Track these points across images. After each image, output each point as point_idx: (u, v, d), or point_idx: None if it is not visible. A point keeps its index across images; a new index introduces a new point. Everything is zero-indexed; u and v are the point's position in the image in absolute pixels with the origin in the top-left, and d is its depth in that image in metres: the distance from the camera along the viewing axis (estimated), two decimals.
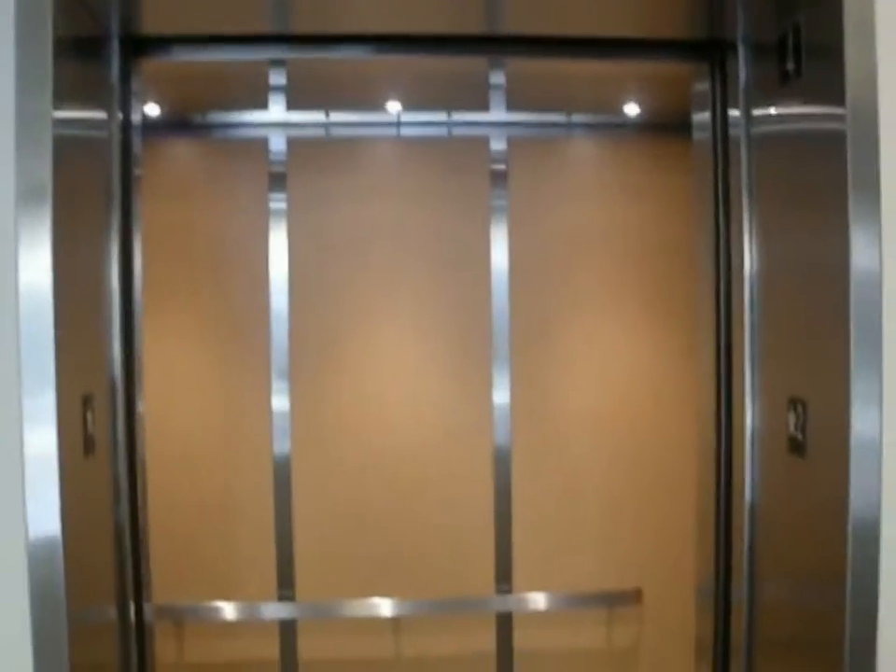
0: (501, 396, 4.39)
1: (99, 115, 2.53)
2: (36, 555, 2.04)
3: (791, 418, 2.27)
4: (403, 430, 4.42)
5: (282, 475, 4.33)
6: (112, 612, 2.57)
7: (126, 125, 2.70)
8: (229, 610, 4.29)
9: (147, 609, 2.81)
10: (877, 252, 1.99)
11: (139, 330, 2.78)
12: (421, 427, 4.43)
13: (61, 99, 2.07)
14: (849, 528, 2.01)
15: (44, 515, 2.03)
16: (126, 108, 2.70)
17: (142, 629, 2.74)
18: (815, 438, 2.18)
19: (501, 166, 4.37)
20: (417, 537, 4.43)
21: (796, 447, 2.26)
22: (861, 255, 1.99)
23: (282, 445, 4.33)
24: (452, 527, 4.43)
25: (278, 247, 4.28)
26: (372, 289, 4.43)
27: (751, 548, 2.53)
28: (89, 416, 2.30)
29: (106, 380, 2.55)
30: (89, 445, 2.32)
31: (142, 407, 2.77)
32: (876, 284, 1.99)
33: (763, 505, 2.49)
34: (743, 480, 2.54)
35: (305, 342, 4.34)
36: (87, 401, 2.30)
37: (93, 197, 2.49)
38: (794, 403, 2.25)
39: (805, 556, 2.25)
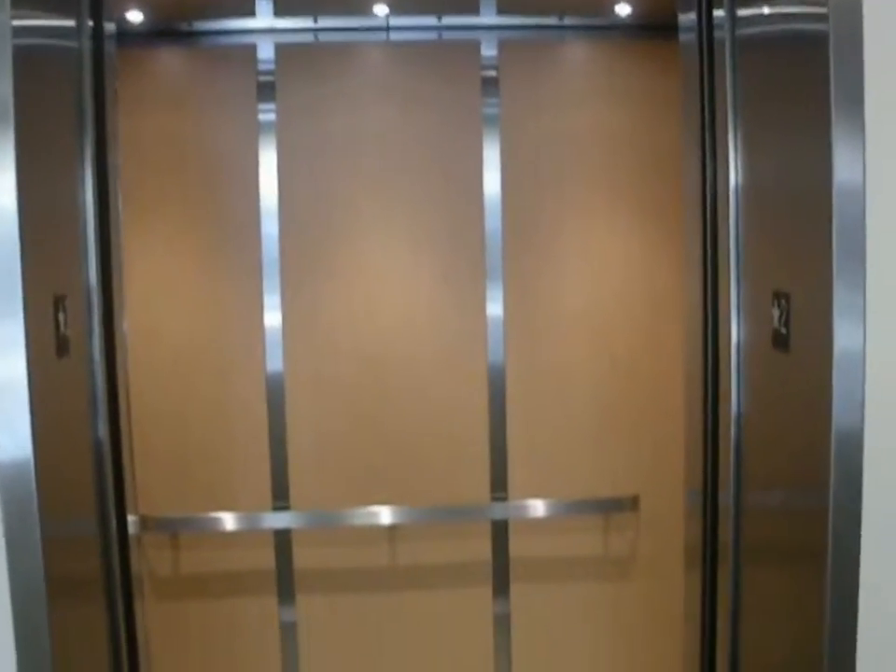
0: (494, 305, 4.36)
1: (66, 22, 2.44)
2: (8, 463, 2.00)
3: (775, 312, 2.22)
4: (396, 339, 4.37)
5: (274, 386, 4.31)
6: (92, 525, 2.54)
7: (98, 34, 2.61)
8: (224, 521, 4.28)
9: (131, 522, 2.78)
10: (860, 156, 1.93)
11: (118, 238, 2.72)
12: (415, 336, 4.39)
13: (20, 5, 1.99)
14: (833, 426, 1.97)
15: (15, 419, 1.99)
16: (97, 16, 2.60)
17: (125, 541, 2.71)
18: (798, 332, 2.14)
19: (492, 72, 4.28)
20: (412, 445, 4.40)
21: (780, 342, 2.21)
22: (843, 162, 1.93)
23: (274, 357, 4.31)
24: (447, 436, 4.40)
25: (267, 157, 4.23)
26: (363, 199, 4.35)
27: (738, 451, 2.50)
28: (61, 317, 2.25)
29: (81, 283, 2.49)
30: (62, 346, 2.27)
31: (121, 312, 2.72)
32: (859, 191, 1.93)
33: (749, 404, 2.45)
34: (729, 379, 2.50)
35: (296, 252, 4.29)
36: (59, 301, 2.24)
37: (63, 111, 2.41)
38: (778, 297, 2.21)
39: (790, 459, 2.22)
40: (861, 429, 1.98)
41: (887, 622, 2.09)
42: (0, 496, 2.00)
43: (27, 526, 2.02)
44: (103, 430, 2.59)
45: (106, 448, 2.60)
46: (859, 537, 2.02)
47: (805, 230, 2.08)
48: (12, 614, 2.03)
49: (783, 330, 2.19)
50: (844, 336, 1.95)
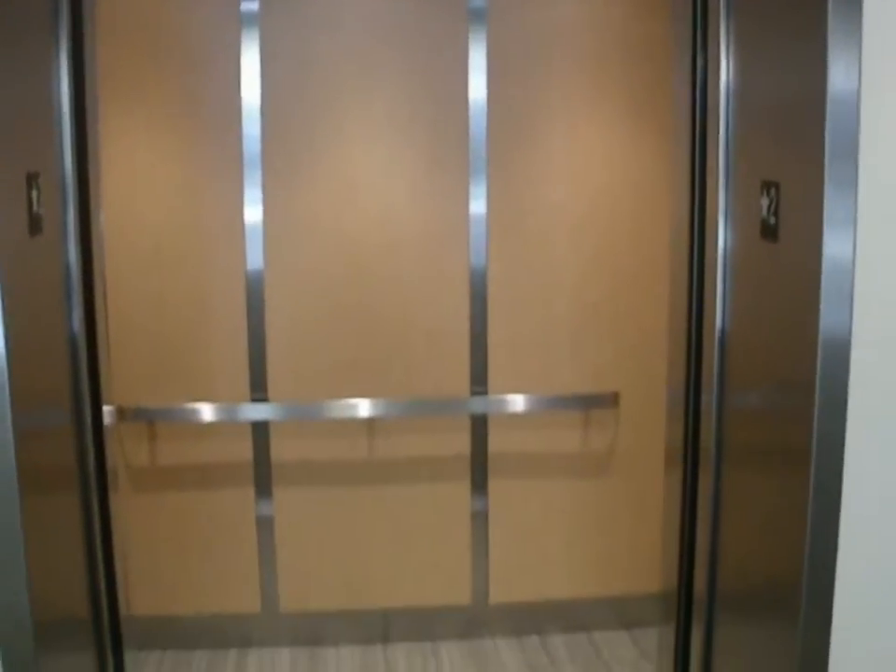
0: (478, 199, 4.29)
1: None
2: None
3: (764, 202, 2.18)
4: (378, 232, 4.31)
5: (254, 277, 4.25)
6: (66, 417, 2.51)
7: None
8: (201, 412, 4.25)
9: (107, 412, 2.75)
10: (856, 57, 1.88)
11: (94, 122, 2.65)
12: (397, 230, 4.32)
13: None
14: (820, 318, 1.95)
15: None
16: None
17: (99, 431, 2.68)
18: (787, 221, 2.10)
19: None
20: (392, 338, 4.36)
21: (768, 232, 2.17)
22: (839, 63, 1.87)
23: (254, 249, 4.24)
24: (427, 329, 4.36)
25: (250, 45, 4.12)
26: (347, 92, 4.24)
27: (721, 350, 2.47)
28: (34, 195, 2.19)
29: (55, 162, 2.43)
30: (35, 224, 2.21)
31: (97, 192, 2.65)
32: (853, 92, 1.88)
33: (735, 300, 2.41)
34: (715, 272, 2.46)
35: (278, 143, 4.20)
36: (31, 179, 2.18)
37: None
38: (767, 186, 2.16)
39: (775, 356, 2.19)
40: (850, 323, 1.95)
41: (869, 520, 2.08)
42: None
43: None
44: (77, 315, 2.54)
45: (81, 335, 2.55)
46: (843, 436, 2.01)
47: (798, 123, 2.03)
48: None
49: (772, 220, 2.15)
50: (833, 225, 1.92)
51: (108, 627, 2.64)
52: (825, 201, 1.90)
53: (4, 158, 1.95)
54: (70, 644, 2.44)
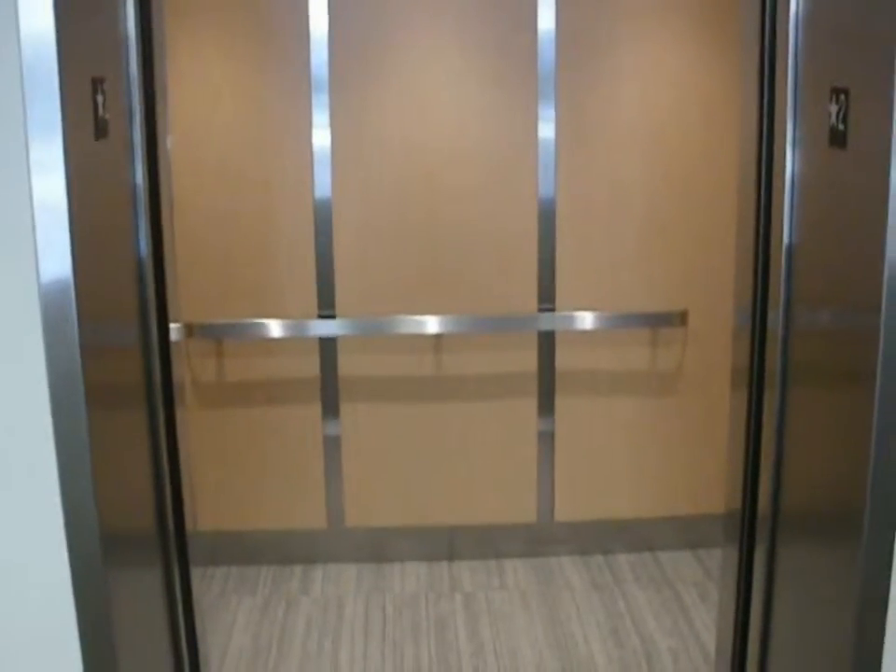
0: (547, 119, 4.25)
1: None
2: (47, 255, 1.96)
3: (833, 108, 2.12)
4: (447, 150, 4.28)
5: (322, 193, 4.25)
6: (133, 334, 2.52)
7: None
8: (269, 328, 4.27)
9: (174, 329, 2.75)
10: None
11: (160, 28, 2.63)
12: (465, 147, 4.29)
13: None
14: (888, 223, 1.89)
15: (56, 204, 1.94)
16: None
17: (166, 349, 2.69)
18: (856, 127, 2.04)
19: None
20: (460, 254, 4.34)
21: (837, 139, 2.12)
22: None
23: (322, 165, 4.23)
24: (496, 246, 4.34)
25: None
26: (414, 9, 4.21)
27: (789, 268, 2.42)
28: (99, 99, 2.19)
29: (121, 67, 2.41)
30: (100, 128, 2.21)
31: (163, 100, 2.64)
32: None
33: (802, 214, 2.36)
34: (783, 181, 2.40)
35: (345, 59, 4.17)
36: (97, 83, 2.17)
37: None
38: (836, 93, 2.11)
39: (843, 272, 2.15)
40: None
41: None
42: (39, 300, 1.97)
43: (65, 333, 2.00)
44: (144, 230, 2.53)
45: (148, 250, 2.55)
46: None
47: (868, 26, 1.97)
48: (52, 420, 2.02)
49: (840, 126, 2.10)
50: None
51: (175, 542, 2.67)
52: (895, 105, 1.85)
53: (70, 61, 1.95)
54: (137, 557, 2.47)
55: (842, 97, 2.09)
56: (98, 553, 2.09)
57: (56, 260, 1.96)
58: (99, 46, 2.28)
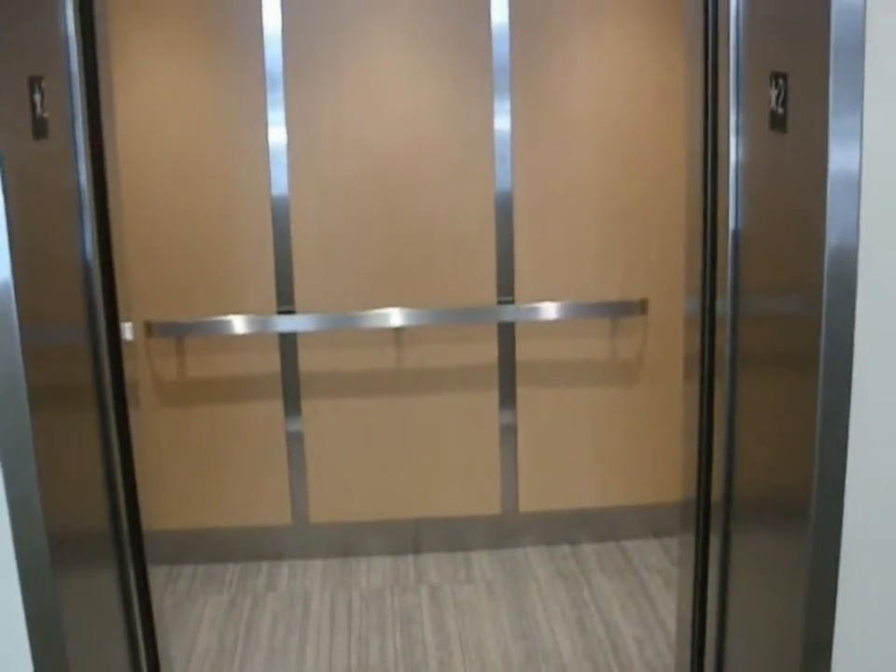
0: (502, 107, 4.25)
1: None
2: None
3: (773, 93, 2.13)
4: (403, 141, 4.27)
5: (280, 189, 4.24)
6: (81, 334, 2.50)
7: None
8: (230, 324, 4.26)
9: (125, 328, 2.74)
10: None
11: (102, 26, 2.60)
12: (422, 140, 4.28)
13: None
14: (827, 206, 1.90)
15: None
16: None
17: (117, 348, 2.67)
18: (795, 111, 2.06)
19: None
20: (419, 248, 4.34)
21: (777, 123, 2.13)
22: None
23: (279, 160, 4.22)
24: (454, 238, 4.34)
25: None
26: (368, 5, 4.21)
27: (735, 253, 2.43)
28: (37, 98, 2.16)
29: (61, 66, 2.39)
30: (39, 128, 2.19)
31: (109, 99, 2.61)
32: None
33: (748, 196, 2.37)
34: (728, 170, 2.41)
35: (301, 56, 4.16)
36: (34, 82, 2.15)
37: None
38: (776, 77, 2.12)
39: (787, 259, 2.15)
40: (857, 217, 1.91)
41: (879, 426, 2.05)
42: None
43: (6, 336, 1.99)
44: (90, 230, 2.51)
45: (93, 249, 2.53)
46: (852, 340, 1.98)
47: (804, 11, 1.98)
48: None
49: (780, 111, 2.11)
50: (840, 112, 1.87)
51: (130, 542, 2.65)
52: (830, 89, 1.86)
53: (5, 59, 1.93)
54: (89, 558, 2.46)
55: (781, 81, 2.10)
56: (46, 555, 2.08)
57: None
58: (37, 44, 2.26)
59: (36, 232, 2.14)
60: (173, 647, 3.44)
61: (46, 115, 2.22)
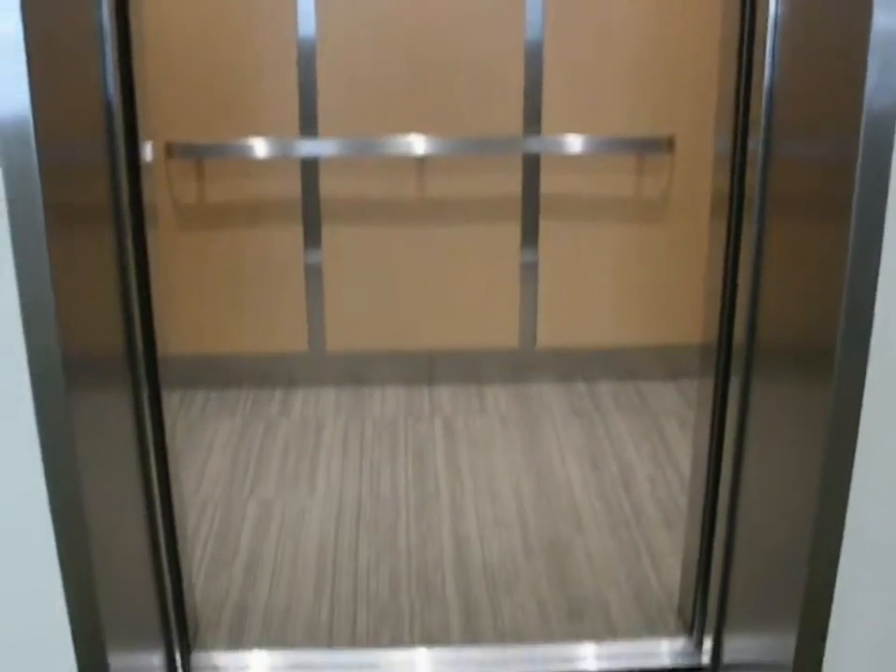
0: None
1: None
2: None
3: None
4: None
5: (306, 7, 4.13)
6: (99, 153, 2.45)
7: None
8: (251, 148, 4.19)
9: (145, 148, 2.68)
10: None
11: None
12: None
13: None
14: (870, 47, 1.83)
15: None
16: None
17: (136, 169, 2.62)
18: None
19: None
20: (446, 73, 4.23)
21: None
22: None
23: None
24: (482, 66, 4.23)
25: None
26: None
27: (770, 96, 2.35)
28: None
29: None
30: None
31: None
32: None
33: (787, 32, 2.27)
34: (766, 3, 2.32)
35: None
36: None
37: None
38: None
39: (825, 104, 2.08)
40: None
41: None
42: None
43: (24, 153, 1.94)
44: (110, 44, 2.43)
45: (114, 67, 2.45)
46: (886, 187, 1.92)
47: None
48: (11, 239, 1.98)
49: None
50: None
51: (143, 365, 2.64)
52: None
53: None
54: (103, 381, 2.44)
55: None
56: (59, 374, 2.06)
57: (11, 81, 1.88)
58: None
59: (56, 51, 2.07)
60: (184, 470, 3.46)
61: None
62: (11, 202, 1.97)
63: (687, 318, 4.43)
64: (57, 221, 2.03)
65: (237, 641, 3.00)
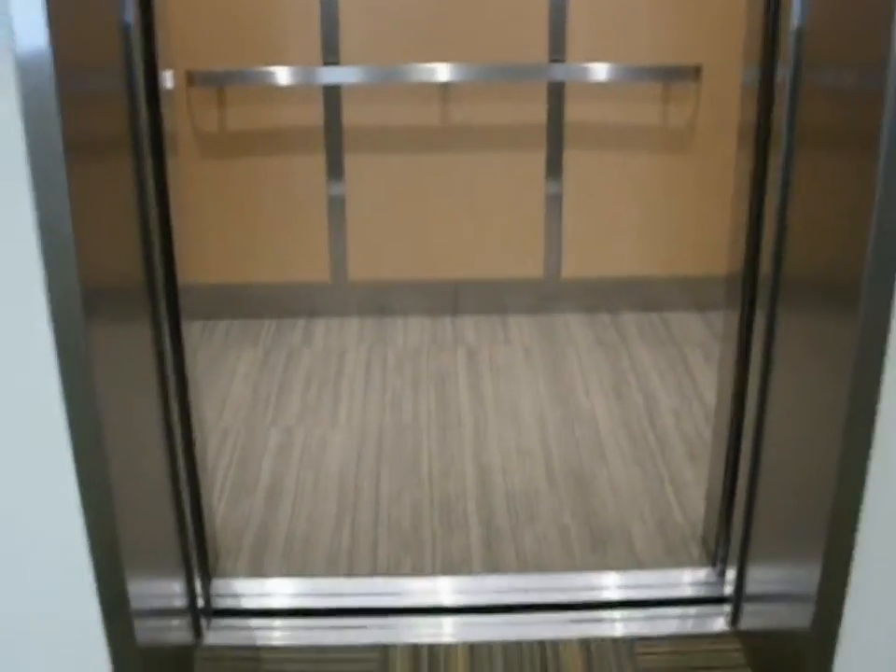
0: None
1: None
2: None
3: None
4: None
5: None
6: (118, 81, 2.42)
7: None
8: (273, 75, 4.15)
9: (165, 76, 2.65)
10: None
11: None
12: None
13: None
14: None
15: None
16: None
17: (156, 96, 2.59)
18: None
19: None
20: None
21: None
22: None
23: None
24: None
25: None
26: None
27: (800, 24, 2.30)
28: None
29: None
30: None
31: None
32: None
33: None
34: None
35: None
36: None
37: None
38: None
39: (856, 39, 2.04)
40: None
41: None
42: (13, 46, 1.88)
43: (42, 80, 1.92)
44: None
45: None
46: None
47: None
48: (29, 168, 1.96)
49: None
50: None
51: (164, 295, 2.63)
52: None
53: None
54: (123, 310, 2.43)
55: None
56: (79, 302, 2.05)
57: (28, 8, 1.86)
58: None
59: None
60: (206, 399, 3.47)
61: None
62: (29, 132, 1.94)
63: (713, 249, 4.39)
64: (75, 150, 2.01)
65: (257, 569, 3.02)
